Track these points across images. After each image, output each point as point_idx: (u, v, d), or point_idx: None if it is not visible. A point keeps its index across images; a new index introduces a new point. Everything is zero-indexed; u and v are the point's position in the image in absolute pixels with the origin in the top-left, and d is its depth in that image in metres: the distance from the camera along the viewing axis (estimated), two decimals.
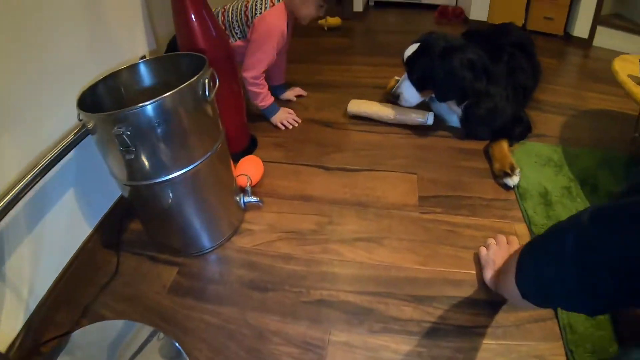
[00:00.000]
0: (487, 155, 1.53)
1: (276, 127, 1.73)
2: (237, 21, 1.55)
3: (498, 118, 1.58)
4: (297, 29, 3.09)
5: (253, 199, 1.25)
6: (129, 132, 0.85)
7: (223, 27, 1.56)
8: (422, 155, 1.56)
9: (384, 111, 1.71)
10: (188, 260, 1.14)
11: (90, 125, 0.90)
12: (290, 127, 1.73)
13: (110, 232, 1.21)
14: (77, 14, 1.05)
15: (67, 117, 1.01)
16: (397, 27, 3.17)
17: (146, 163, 0.93)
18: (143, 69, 1.12)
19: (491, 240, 1.12)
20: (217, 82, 1.01)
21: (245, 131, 1.58)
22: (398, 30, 3.06)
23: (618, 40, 2.84)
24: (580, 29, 2.89)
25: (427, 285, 1.06)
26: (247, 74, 1.57)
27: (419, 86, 1.60)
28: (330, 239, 1.20)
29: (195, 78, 0.92)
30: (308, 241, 1.19)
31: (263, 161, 1.46)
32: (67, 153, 0.97)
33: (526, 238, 1.19)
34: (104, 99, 1.03)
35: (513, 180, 1.38)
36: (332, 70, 2.33)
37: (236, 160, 1.40)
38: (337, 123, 1.77)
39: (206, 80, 0.96)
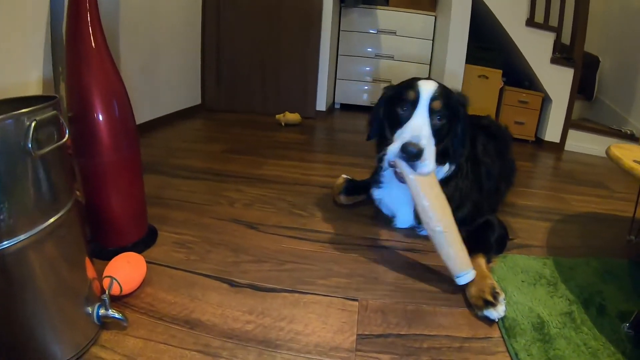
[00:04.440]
0: None
1: (187, 220, 1.33)
2: None
3: (462, 199, 1.28)
4: (250, 123, 2.90)
5: (113, 313, 0.83)
6: None
7: None
8: (367, 273, 1.14)
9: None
10: None
11: None
12: None
13: None
14: None
15: None
16: (362, 128, 3.00)
17: None
18: None
19: None
20: (67, 135, 0.75)
21: (141, 220, 1.20)
22: (361, 131, 2.88)
23: (587, 142, 2.85)
24: (552, 133, 2.84)
25: None
26: None
27: (440, 134, 1.14)
28: None
29: (11, 114, 0.62)
30: None
31: (154, 263, 1.07)
32: None
33: None
34: None
35: (498, 312, 0.97)
36: (276, 165, 2.01)
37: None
38: (265, 225, 1.37)
39: (32, 124, 0.64)
